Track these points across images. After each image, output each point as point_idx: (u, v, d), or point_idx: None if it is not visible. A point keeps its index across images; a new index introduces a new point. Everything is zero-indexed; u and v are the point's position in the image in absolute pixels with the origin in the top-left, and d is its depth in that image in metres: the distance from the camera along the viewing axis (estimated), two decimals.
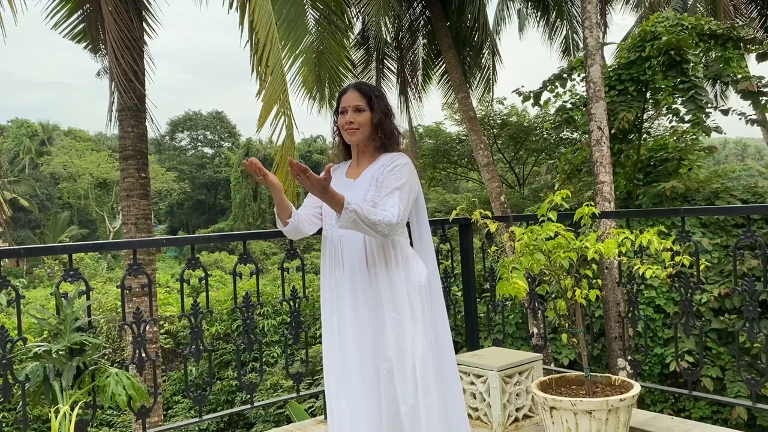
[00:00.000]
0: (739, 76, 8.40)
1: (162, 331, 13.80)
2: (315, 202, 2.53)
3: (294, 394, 3.66)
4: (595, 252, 2.76)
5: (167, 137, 49.26)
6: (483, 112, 15.96)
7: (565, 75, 9.62)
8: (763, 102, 8.45)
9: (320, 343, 2.60)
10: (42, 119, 46.85)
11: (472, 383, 3.25)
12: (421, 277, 2.42)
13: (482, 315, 4.67)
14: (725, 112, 9.03)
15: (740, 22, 10.34)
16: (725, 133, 9.14)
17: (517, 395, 3.21)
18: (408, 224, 2.54)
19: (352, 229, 2.23)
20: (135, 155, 8.00)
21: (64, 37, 8.48)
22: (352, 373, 2.33)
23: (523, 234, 2.86)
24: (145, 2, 8.14)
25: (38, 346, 2.53)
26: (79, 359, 2.52)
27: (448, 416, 2.43)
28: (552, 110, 10.57)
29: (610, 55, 11.77)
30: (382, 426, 2.28)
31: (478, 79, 12.37)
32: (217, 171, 47.32)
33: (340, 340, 2.39)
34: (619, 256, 2.86)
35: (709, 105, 8.48)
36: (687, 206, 8.50)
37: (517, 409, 3.21)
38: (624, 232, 2.82)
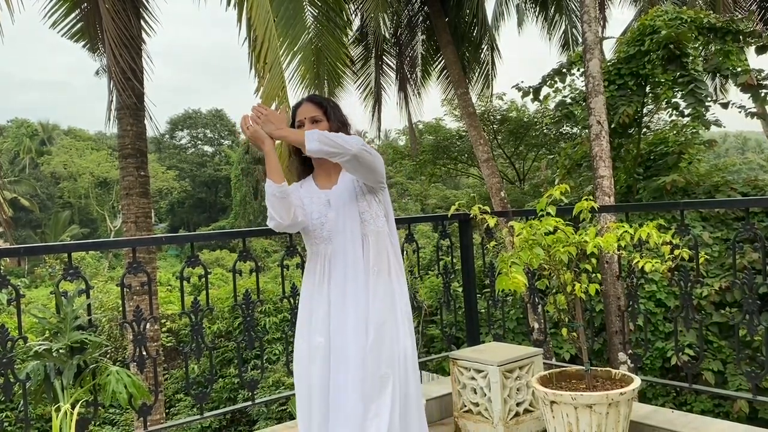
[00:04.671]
0: (739, 69, 8.40)
1: (164, 329, 13.82)
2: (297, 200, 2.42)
3: (295, 391, 3.66)
4: (595, 246, 2.76)
5: (167, 136, 49.26)
6: (482, 108, 15.94)
7: (564, 70, 9.62)
8: (762, 95, 8.45)
9: None
10: (42, 119, 46.90)
11: (473, 378, 3.25)
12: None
13: (483, 310, 4.68)
14: (725, 106, 9.03)
15: (739, 15, 10.32)
16: (725, 127, 9.15)
17: (517, 390, 3.21)
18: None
19: (322, 154, 2.18)
20: (134, 154, 8.00)
21: (62, 36, 8.47)
22: (351, 392, 2.23)
23: (522, 229, 2.86)
24: (143, 0, 8.13)
25: (39, 344, 2.53)
26: (80, 358, 2.52)
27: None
28: (551, 105, 10.57)
29: (609, 49, 11.76)
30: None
31: (477, 74, 12.36)
32: (218, 169, 47.34)
33: (334, 360, 2.28)
34: (618, 250, 2.86)
35: (709, 98, 8.48)
36: (687, 200, 8.50)
37: (518, 404, 3.21)
38: (623, 226, 2.82)
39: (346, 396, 2.24)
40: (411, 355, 2.35)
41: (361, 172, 2.28)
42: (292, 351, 2.56)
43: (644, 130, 10.01)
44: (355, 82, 12.00)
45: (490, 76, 12.29)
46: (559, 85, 9.77)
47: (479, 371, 3.23)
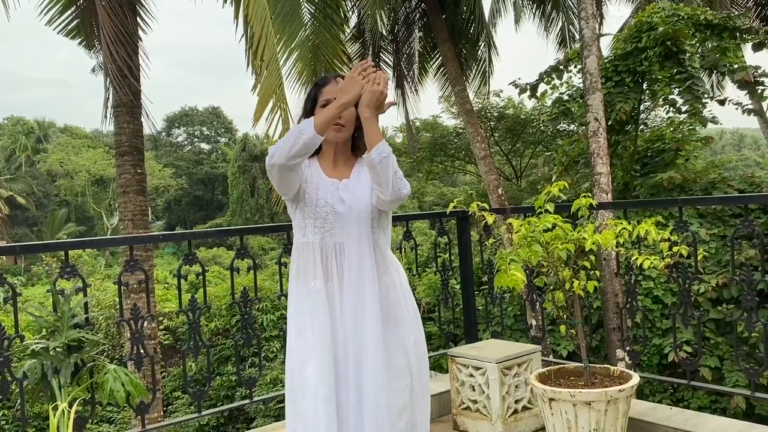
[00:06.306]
0: (736, 66, 8.40)
1: (161, 327, 13.79)
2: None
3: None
4: (593, 243, 2.76)
5: (163, 133, 49.14)
6: (480, 105, 15.94)
7: (561, 67, 9.61)
8: (759, 92, 8.46)
9: None
10: (38, 116, 46.76)
11: (471, 376, 3.25)
12: None
13: (481, 308, 4.67)
14: (722, 103, 9.03)
15: (736, 12, 10.33)
16: (722, 124, 9.16)
17: (516, 387, 3.21)
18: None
19: (377, 169, 2.04)
20: (131, 151, 7.98)
21: (58, 33, 8.44)
22: (368, 400, 2.11)
23: (520, 226, 2.86)
24: None
25: (36, 343, 2.52)
26: (77, 356, 2.51)
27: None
28: (549, 102, 10.57)
29: (606, 46, 11.74)
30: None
31: (474, 71, 12.35)
32: (215, 167, 47.22)
33: (345, 361, 2.16)
34: (616, 247, 2.86)
35: (706, 95, 8.48)
36: (684, 197, 8.51)
37: (516, 401, 3.21)
38: (621, 223, 2.82)
39: (373, 402, 2.12)
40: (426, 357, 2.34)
41: (385, 207, 2.20)
42: None
43: (641, 127, 10.01)
44: None
45: (487, 73, 12.29)
46: (557, 82, 9.76)
47: (477, 368, 3.22)
